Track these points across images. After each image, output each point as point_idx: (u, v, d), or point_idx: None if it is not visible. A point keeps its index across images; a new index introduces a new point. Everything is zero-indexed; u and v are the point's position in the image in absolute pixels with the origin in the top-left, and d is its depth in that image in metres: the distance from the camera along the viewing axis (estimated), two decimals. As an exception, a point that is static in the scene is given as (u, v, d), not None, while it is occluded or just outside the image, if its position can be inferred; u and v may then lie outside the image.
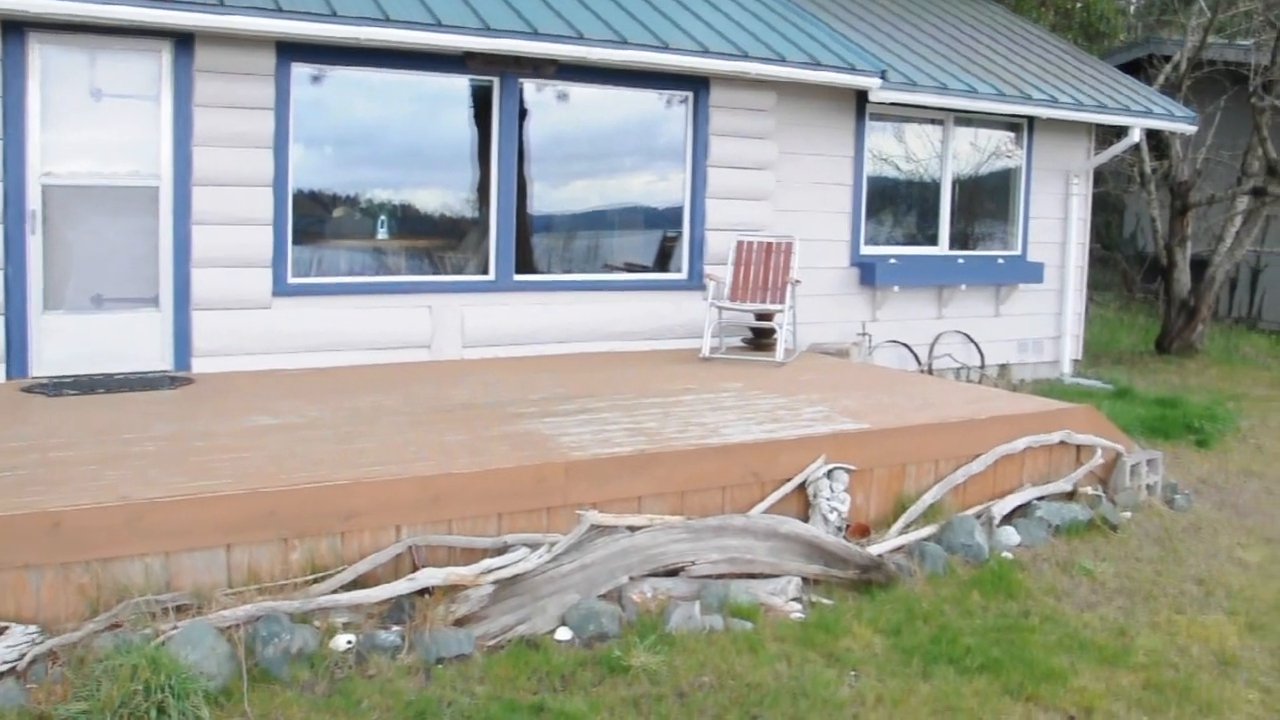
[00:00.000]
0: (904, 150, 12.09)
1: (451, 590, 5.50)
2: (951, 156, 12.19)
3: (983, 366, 12.34)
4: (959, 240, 12.45)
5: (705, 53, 9.78)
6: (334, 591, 5.39)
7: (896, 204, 12.20)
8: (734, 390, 8.37)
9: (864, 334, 11.49)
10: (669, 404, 7.79)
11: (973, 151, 12.49)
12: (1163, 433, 10.44)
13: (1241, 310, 20.31)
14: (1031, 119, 12.49)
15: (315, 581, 5.43)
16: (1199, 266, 15.68)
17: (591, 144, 10.32)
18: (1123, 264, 19.79)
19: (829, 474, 6.84)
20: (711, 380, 8.78)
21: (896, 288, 11.60)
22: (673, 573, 6.14)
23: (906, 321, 11.89)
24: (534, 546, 5.89)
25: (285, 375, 8.68)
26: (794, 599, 6.16)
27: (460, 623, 5.46)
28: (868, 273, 11.45)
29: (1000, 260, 12.51)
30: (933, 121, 12.06)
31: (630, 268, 10.63)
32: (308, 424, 6.90)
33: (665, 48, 9.58)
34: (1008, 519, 7.38)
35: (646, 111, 10.43)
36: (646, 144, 10.51)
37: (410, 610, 5.42)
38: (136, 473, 5.63)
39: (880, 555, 6.56)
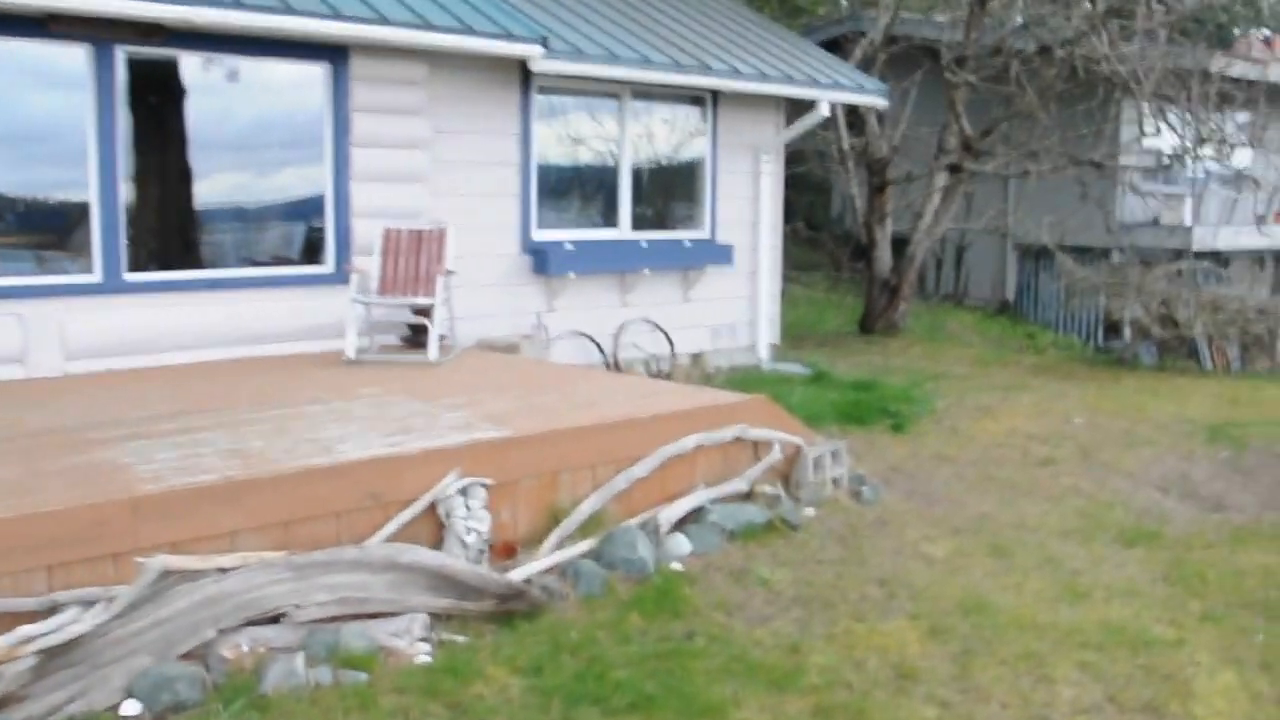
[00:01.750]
0: (579, 127, 11.45)
1: (-26, 670, 4.50)
2: (630, 133, 11.60)
3: (673, 356, 11.82)
4: (643, 222, 11.90)
5: (337, 16, 8.86)
6: None
7: (573, 185, 11.56)
8: (370, 397, 7.51)
9: (540, 326, 10.79)
10: (289, 417, 6.88)
11: (655, 128, 11.95)
12: (857, 419, 10.10)
13: (949, 287, 20.64)
14: (716, 93, 12.04)
15: None
16: (902, 245, 15.63)
17: (231, 126, 9.35)
18: (830, 244, 19.76)
19: (463, 490, 6.06)
20: (349, 386, 7.89)
21: (573, 275, 10.94)
22: (276, 619, 5.27)
23: (587, 311, 11.26)
24: (93, 604, 4.92)
25: None
26: (421, 639, 5.39)
27: (-10, 709, 4.47)
28: (541, 259, 10.75)
29: (687, 243, 12.01)
30: (609, 95, 11.45)
31: (278, 261, 9.63)
32: None
33: (288, 10, 8.61)
34: (680, 526, 6.76)
35: (286, 87, 9.47)
36: (289, 124, 9.55)
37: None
38: None
39: (525, 580, 5.86)
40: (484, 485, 6.12)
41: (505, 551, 6.19)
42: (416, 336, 9.64)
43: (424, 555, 5.59)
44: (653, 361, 11.75)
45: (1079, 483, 8.69)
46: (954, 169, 14.90)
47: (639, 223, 11.83)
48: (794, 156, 18.29)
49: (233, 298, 9.15)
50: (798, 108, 12.53)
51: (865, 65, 15.29)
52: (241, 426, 6.64)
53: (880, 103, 12.89)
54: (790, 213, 20.99)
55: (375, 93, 9.63)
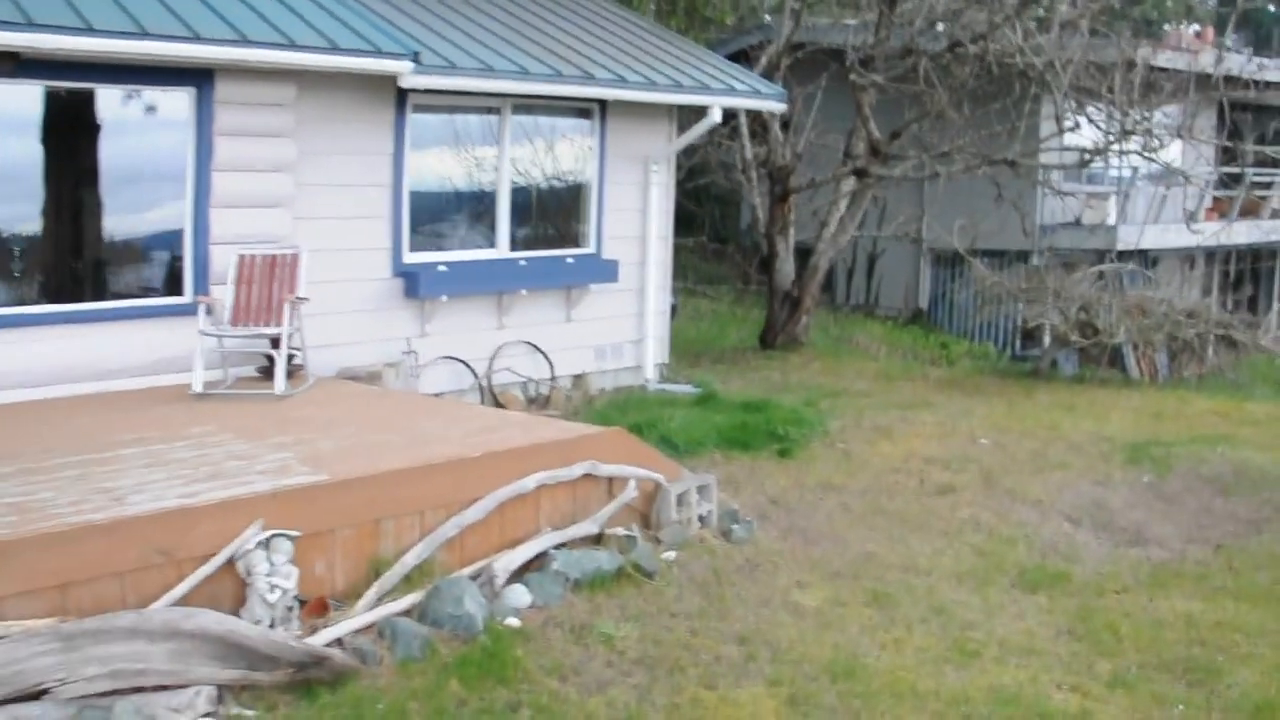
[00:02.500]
0: (456, 144, 10.94)
1: None
2: (510, 149, 11.10)
3: (553, 379, 11.33)
4: (527, 240, 11.40)
5: (196, 39, 8.30)
6: None
7: (450, 205, 11.05)
8: (196, 437, 6.97)
9: (409, 351, 10.26)
10: (97, 462, 6.34)
11: (537, 141, 11.45)
12: (743, 443, 9.65)
13: (859, 297, 20.31)
14: (603, 103, 11.56)
15: None
16: (807, 255, 15.21)
17: (91, 154, 8.79)
18: (737, 256, 19.35)
19: (266, 543, 5.53)
20: (180, 425, 7.34)
21: (445, 297, 10.42)
22: (40, 696, 4.75)
23: (462, 334, 10.75)
24: None
25: None
26: (206, 715, 4.87)
27: None
28: (413, 283, 10.23)
29: (569, 259, 11.52)
30: (488, 110, 10.94)
31: (140, 293, 9.09)
32: None
33: (144, 34, 8.05)
34: (521, 575, 6.27)
35: (148, 114, 8.98)
36: (152, 151, 9.02)
37: None
38: None
39: (336, 641, 5.35)
40: (289, 537, 5.61)
41: (317, 609, 5.69)
42: (271, 367, 9.09)
43: (209, 620, 5.06)
44: (531, 385, 11.26)
45: (979, 514, 8.19)
46: (859, 173, 14.49)
47: (522, 241, 11.34)
48: (700, 168, 17.93)
49: (88, 331, 8.57)
50: (691, 114, 12.07)
51: (769, 72, 14.89)
52: (39, 474, 6.09)
53: (778, 107, 12.45)
54: (695, 225, 20.67)
55: (240, 116, 9.06)
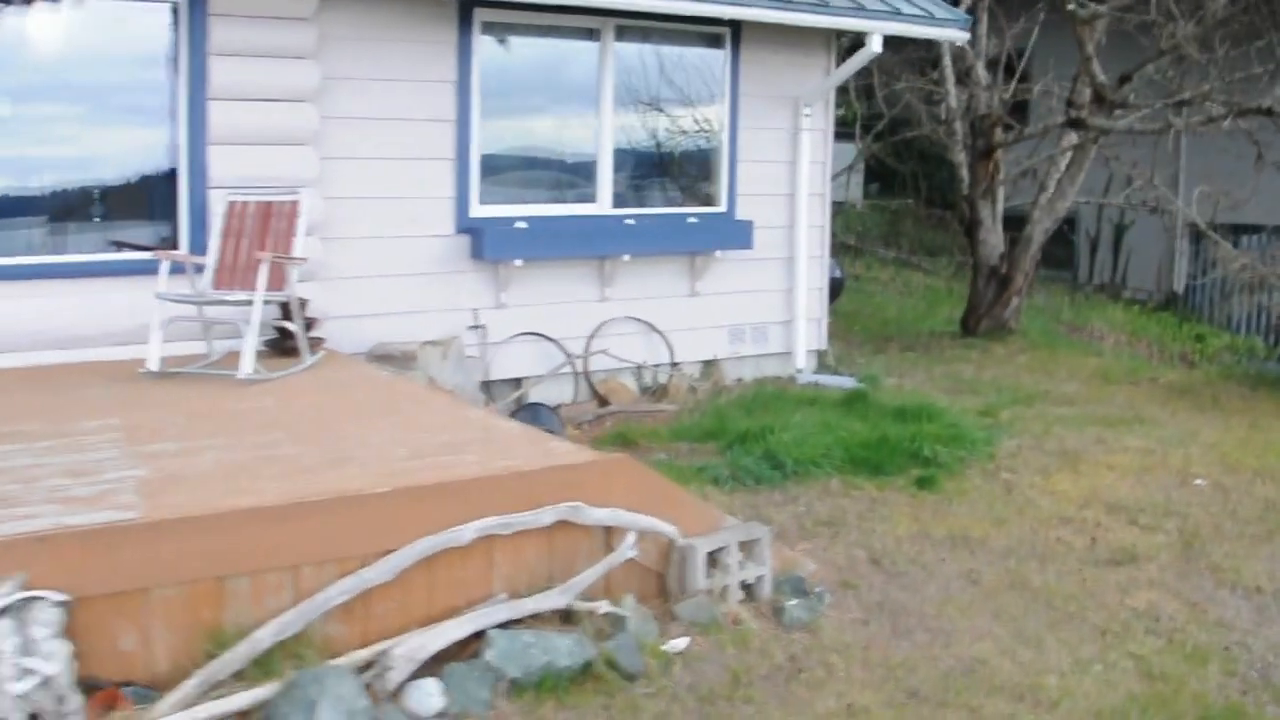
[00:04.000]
0: (544, 75, 9.13)
1: None
2: (611, 82, 9.20)
3: (673, 364, 9.44)
4: (633, 196, 9.49)
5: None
6: None
7: (535, 149, 9.26)
8: (71, 436, 5.40)
9: (477, 326, 8.54)
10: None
11: (650, 76, 9.51)
12: (874, 465, 7.60)
13: (1104, 275, 17.61)
14: (735, 26, 9.53)
15: None
16: (1022, 224, 12.79)
17: (69, 80, 7.43)
18: (955, 224, 16.89)
19: (18, 608, 3.86)
20: (74, 416, 5.77)
21: (519, 261, 8.64)
22: None
23: (551, 306, 9.00)
24: None
25: None
26: None
27: None
28: (480, 241, 8.48)
29: (692, 220, 9.57)
30: (585, 33, 9.06)
31: (123, 246, 7.63)
32: None
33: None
34: (442, 664, 4.43)
35: (127, 29, 7.49)
36: (133, 76, 7.58)
37: None
38: None
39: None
40: (56, 601, 3.92)
41: (105, 704, 3.99)
42: (284, 341, 7.50)
43: None
44: (646, 371, 9.40)
45: (1162, 603, 5.81)
46: (1075, 125, 11.97)
47: (631, 196, 9.45)
48: (902, 120, 15.66)
49: (34, 290, 7.15)
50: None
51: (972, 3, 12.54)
52: None
53: (959, 35, 10.11)
54: (905, 186, 18.31)
55: (243, 31, 7.51)
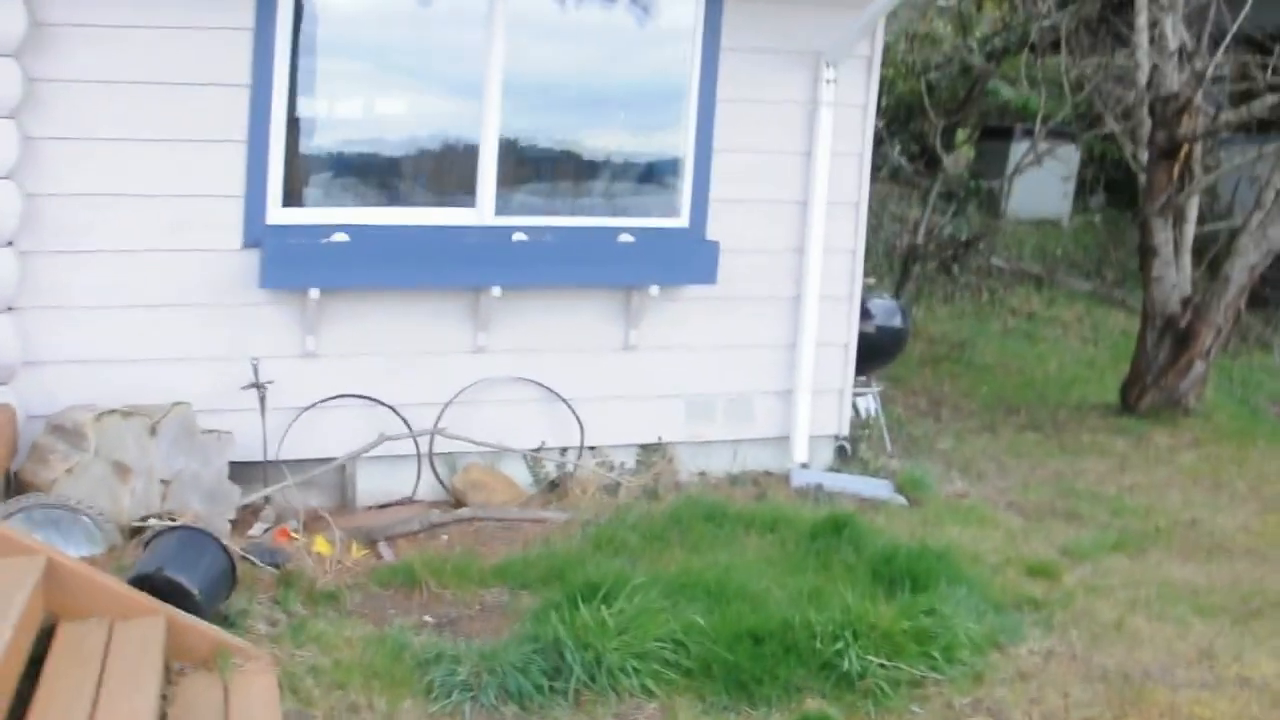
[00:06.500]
0: (396, 17, 6.52)
1: None
2: (505, 25, 6.45)
3: (587, 447, 6.71)
4: (530, 198, 6.75)
5: None
6: None
7: (379, 128, 6.61)
8: None
9: (259, 385, 6.00)
10: None
11: (569, 14, 6.74)
12: (740, 683, 4.73)
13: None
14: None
15: None
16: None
17: None
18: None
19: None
20: None
21: (337, 290, 6.05)
22: None
23: (391, 357, 6.38)
24: None
25: None
26: None
27: None
28: (278, 259, 5.97)
29: (625, 236, 6.69)
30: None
31: None
32: None
33: None
34: None
35: None
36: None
37: None
38: None
39: None
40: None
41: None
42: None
43: None
44: (544, 456, 6.68)
45: None
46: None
47: (523, 200, 6.72)
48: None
49: None
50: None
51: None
52: None
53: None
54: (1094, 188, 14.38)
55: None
